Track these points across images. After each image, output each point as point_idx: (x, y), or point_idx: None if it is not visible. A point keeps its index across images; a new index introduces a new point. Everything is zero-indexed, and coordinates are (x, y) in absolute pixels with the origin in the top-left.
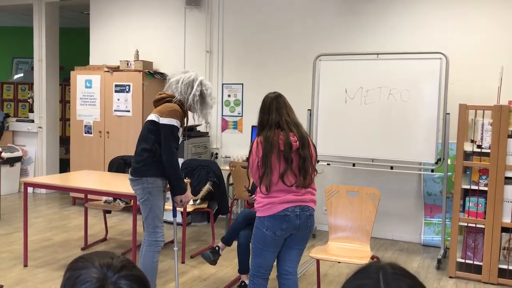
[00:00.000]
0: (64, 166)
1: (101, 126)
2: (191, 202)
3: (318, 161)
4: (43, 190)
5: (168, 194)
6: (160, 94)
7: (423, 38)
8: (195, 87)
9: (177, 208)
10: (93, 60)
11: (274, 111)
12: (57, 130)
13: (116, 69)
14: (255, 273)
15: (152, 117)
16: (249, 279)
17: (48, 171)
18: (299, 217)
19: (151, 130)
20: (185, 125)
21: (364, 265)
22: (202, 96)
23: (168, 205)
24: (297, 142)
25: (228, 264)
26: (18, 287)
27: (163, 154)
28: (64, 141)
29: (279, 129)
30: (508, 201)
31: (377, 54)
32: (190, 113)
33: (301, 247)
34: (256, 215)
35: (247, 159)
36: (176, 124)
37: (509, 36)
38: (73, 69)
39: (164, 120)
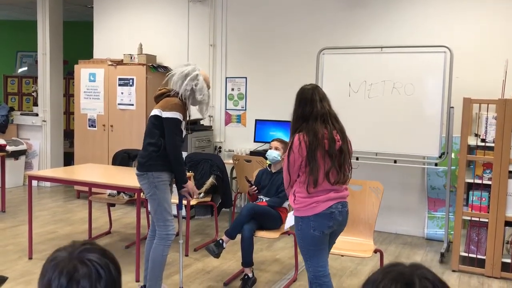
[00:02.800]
0: (68, 159)
1: (105, 120)
2: (195, 196)
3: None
4: (48, 183)
5: (174, 188)
6: (160, 90)
7: (427, 31)
8: (186, 81)
9: (183, 202)
10: (97, 53)
11: (318, 101)
12: (61, 123)
13: (119, 62)
14: (316, 274)
15: (155, 112)
16: (311, 282)
17: (52, 165)
18: (341, 213)
19: (155, 125)
20: (187, 118)
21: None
22: (193, 91)
23: (174, 199)
24: (340, 141)
25: (231, 257)
26: (23, 279)
27: (167, 147)
28: (68, 135)
29: (324, 124)
30: (511, 195)
31: (381, 47)
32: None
33: (334, 242)
34: (297, 215)
35: (287, 156)
36: (178, 117)
37: None
38: (77, 62)
39: (166, 114)
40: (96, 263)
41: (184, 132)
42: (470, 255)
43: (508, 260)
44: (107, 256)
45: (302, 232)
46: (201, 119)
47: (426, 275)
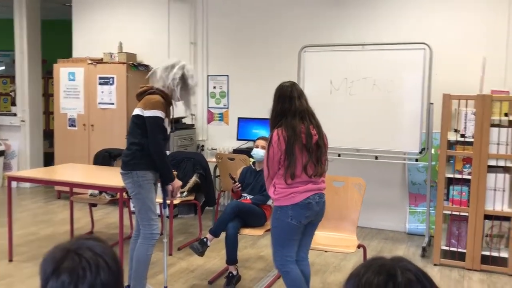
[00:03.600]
0: (48, 160)
1: (86, 119)
2: (178, 195)
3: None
4: (27, 184)
5: (158, 188)
6: (141, 88)
7: (407, 28)
8: (175, 70)
9: (167, 201)
10: (76, 52)
11: (296, 98)
12: (40, 123)
13: (99, 61)
14: (283, 262)
15: (136, 111)
16: (280, 270)
17: (32, 165)
18: (318, 204)
19: (137, 124)
20: (171, 115)
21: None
22: (184, 79)
23: (158, 198)
24: (317, 135)
25: (215, 255)
26: (4, 282)
27: (150, 145)
28: (48, 135)
29: (301, 120)
30: (491, 189)
31: (362, 45)
32: (175, 104)
33: (314, 233)
34: (276, 204)
35: (267, 151)
36: (160, 115)
37: (491, 27)
38: (56, 61)
39: (148, 113)
40: (85, 261)
41: (169, 130)
42: (451, 248)
43: (488, 253)
44: (105, 256)
45: (279, 221)
46: (184, 117)
47: (408, 267)
